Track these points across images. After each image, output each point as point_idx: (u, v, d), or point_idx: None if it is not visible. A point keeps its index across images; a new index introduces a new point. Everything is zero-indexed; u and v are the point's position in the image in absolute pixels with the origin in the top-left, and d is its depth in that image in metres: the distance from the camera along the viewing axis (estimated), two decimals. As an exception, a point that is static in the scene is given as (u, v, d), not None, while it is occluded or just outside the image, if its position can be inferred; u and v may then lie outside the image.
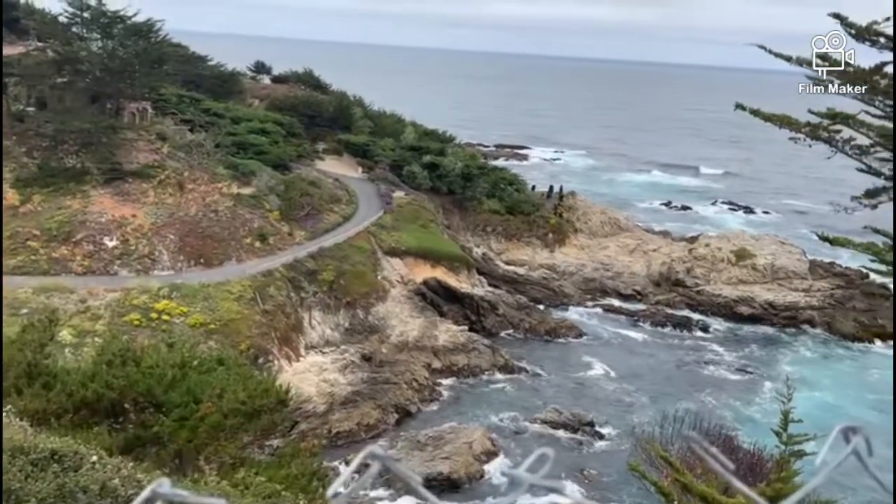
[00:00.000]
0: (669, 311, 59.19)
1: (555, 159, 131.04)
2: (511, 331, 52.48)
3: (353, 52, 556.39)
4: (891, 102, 15.09)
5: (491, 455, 35.99)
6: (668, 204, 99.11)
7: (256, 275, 44.12)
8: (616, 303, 60.81)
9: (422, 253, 54.56)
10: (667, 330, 56.06)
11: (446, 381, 44.51)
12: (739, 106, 16.98)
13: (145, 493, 1.09)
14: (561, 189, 76.27)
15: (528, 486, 1.20)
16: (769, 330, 57.93)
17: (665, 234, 77.09)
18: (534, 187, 75.93)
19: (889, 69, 15.01)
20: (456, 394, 43.59)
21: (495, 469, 34.82)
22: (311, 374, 40.96)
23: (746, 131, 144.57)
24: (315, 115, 77.60)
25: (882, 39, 14.60)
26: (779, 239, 69.10)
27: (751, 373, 49.51)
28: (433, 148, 72.19)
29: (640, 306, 60.08)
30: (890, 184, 15.46)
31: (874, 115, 15.42)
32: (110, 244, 43.91)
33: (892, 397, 45.15)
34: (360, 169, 70.56)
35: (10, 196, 44.58)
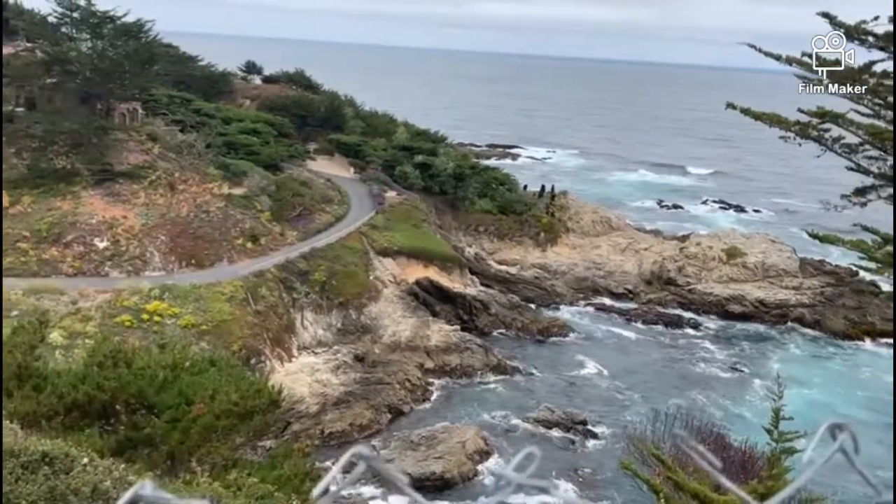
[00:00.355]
0: (661, 309, 59.37)
1: (546, 159, 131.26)
2: (503, 330, 52.52)
3: (351, 53, 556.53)
4: (879, 101, 15.18)
5: (484, 454, 36.02)
6: (659, 203, 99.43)
7: (248, 275, 44.00)
8: (608, 302, 60.96)
9: (414, 253, 54.55)
10: (658, 328, 56.24)
11: (439, 381, 44.51)
12: (730, 105, 17.04)
13: (127, 496, 1.05)
14: (552, 188, 76.39)
15: (515, 485, 1.20)
16: (760, 328, 58.18)
17: (656, 232, 77.34)
18: (525, 187, 76.01)
19: (877, 68, 15.10)
20: (448, 393, 43.60)
21: (489, 468, 34.84)
22: (304, 375, 40.89)
23: (739, 131, 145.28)
24: (306, 115, 77.53)
25: (871, 38, 14.68)
26: (769, 237, 69.42)
27: (742, 371, 49.72)
28: (425, 148, 72.17)
29: (632, 305, 60.25)
30: (879, 182, 15.55)
31: (863, 114, 15.51)
32: (101, 245, 43.71)
33: (882, 395, 45.43)
34: (351, 169, 70.49)
35: None
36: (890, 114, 15.05)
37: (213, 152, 55.84)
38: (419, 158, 69.30)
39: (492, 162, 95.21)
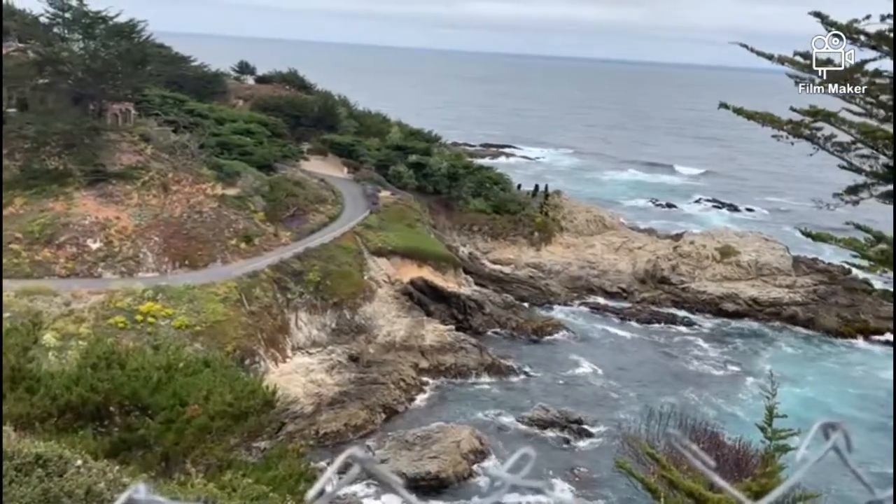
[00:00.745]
0: (655, 308, 59.50)
1: (540, 158, 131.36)
2: (498, 329, 52.55)
3: (344, 53, 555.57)
4: (871, 100, 15.23)
5: (479, 454, 36.03)
6: (653, 202, 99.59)
7: (242, 276, 43.91)
8: (602, 301, 61.05)
9: (408, 253, 54.53)
10: (653, 327, 56.36)
11: (434, 381, 44.51)
12: (723, 105, 17.08)
13: (121, 500, 1.04)
14: (546, 188, 76.45)
15: (510, 486, 1.20)
16: (754, 326, 58.37)
17: (650, 231, 77.45)
18: (519, 186, 76.01)
19: (869, 67, 15.15)
20: (443, 393, 43.60)
21: (484, 468, 34.85)
22: (298, 375, 40.84)
23: (732, 130, 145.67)
24: (300, 115, 77.37)
25: (862, 38, 14.73)
26: (763, 236, 69.63)
27: (735, 369, 49.86)
28: (419, 147, 72.12)
29: (626, 304, 60.36)
30: (871, 180, 15.61)
31: (855, 113, 15.56)
32: (94, 246, 43.57)
33: (874, 392, 45.64)
34: (345, 169, 70.39)
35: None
36: (881, 112, 15.11)
37: (206, 153, 55.70)
38: (413, 158, 69.25)
39: (486, 161, 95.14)
